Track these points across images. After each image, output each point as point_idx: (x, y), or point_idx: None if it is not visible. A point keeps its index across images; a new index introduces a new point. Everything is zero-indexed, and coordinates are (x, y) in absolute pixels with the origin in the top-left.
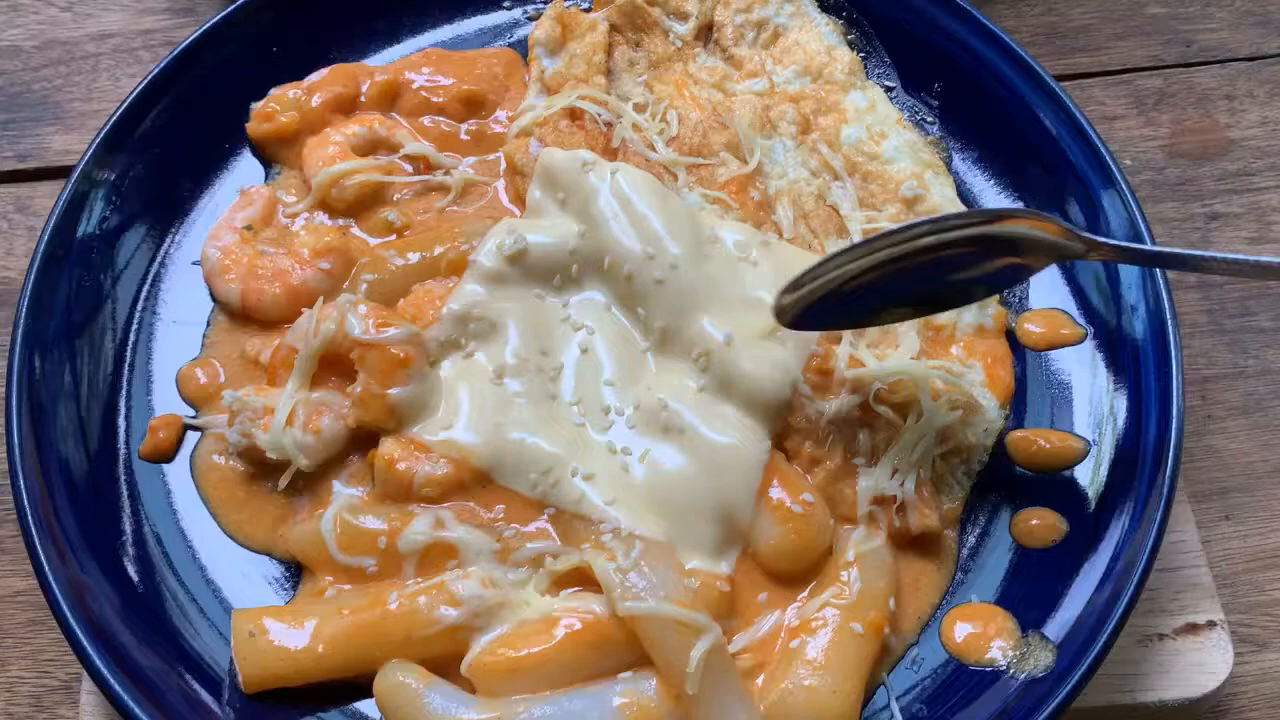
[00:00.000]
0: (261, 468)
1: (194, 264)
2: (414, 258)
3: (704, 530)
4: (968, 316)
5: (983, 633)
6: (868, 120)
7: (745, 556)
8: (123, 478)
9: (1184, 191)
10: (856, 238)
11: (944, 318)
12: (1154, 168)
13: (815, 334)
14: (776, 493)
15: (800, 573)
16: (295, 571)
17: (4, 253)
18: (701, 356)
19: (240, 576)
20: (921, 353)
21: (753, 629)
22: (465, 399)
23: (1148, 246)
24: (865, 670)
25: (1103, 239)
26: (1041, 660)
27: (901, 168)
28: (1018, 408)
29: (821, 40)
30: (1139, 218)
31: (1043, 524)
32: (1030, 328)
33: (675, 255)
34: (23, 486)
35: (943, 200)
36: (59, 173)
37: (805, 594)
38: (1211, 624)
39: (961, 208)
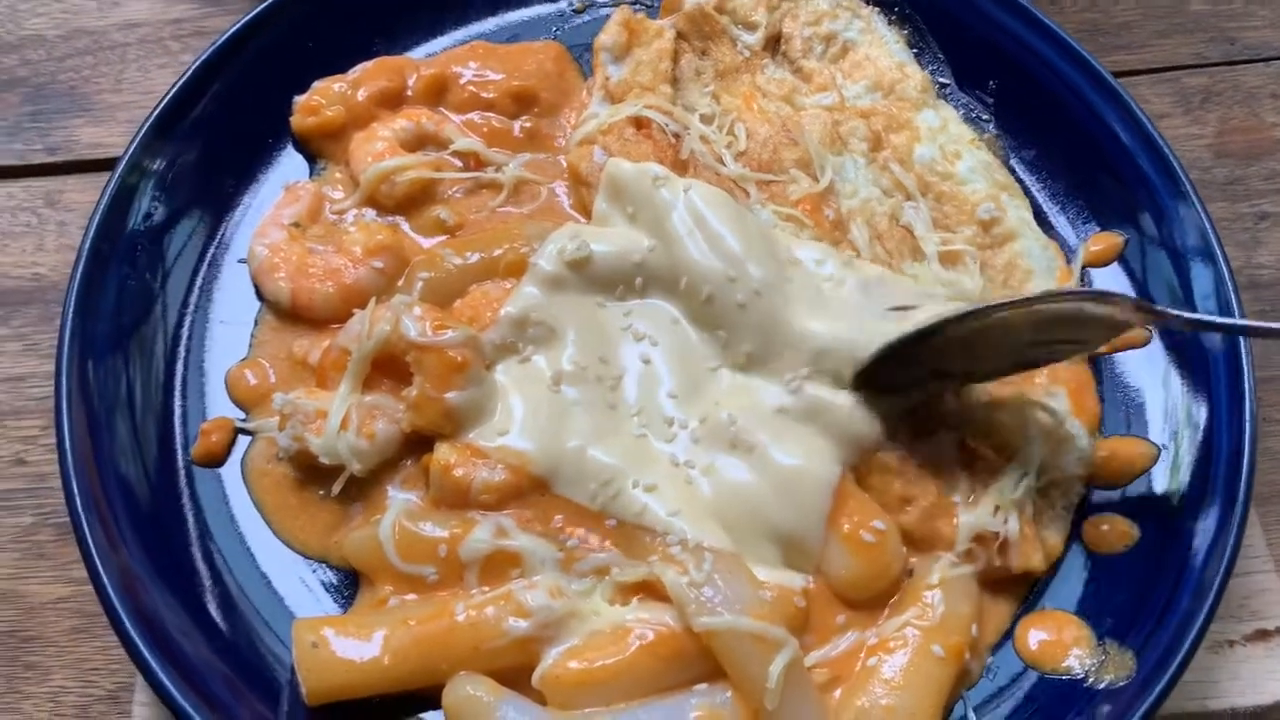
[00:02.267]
0: (312, 472)
1: (240, 262)
2: (472, 258)
3: (766, 551)
4: None
5: (1058, 640)
6: (940, 139)
7: (820, 577)
8: (182, 480)
9: (1232, 191)
10: (932, 260)
11: None
12: (1201, 167)
13: None
14: (847, 520)
15: (871, 600)
16: (353, 578)
17: (34, 248)
18: (795, 380)
19: (298, 582)
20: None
21: (829, 646)
22: (521, 405)
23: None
24: (944, 693)
25: (1191, 314)
26: (1121, 669)
27: (976, 189)
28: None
29: (892, 57)
30: (1204, 219)
31: (1113, 529)
32: None
33: (758, 280)
34: (75, 487)
35: (1019, 223)
36: (89, 166)
37: (885, 614)
38: None
39: (1038, 231)
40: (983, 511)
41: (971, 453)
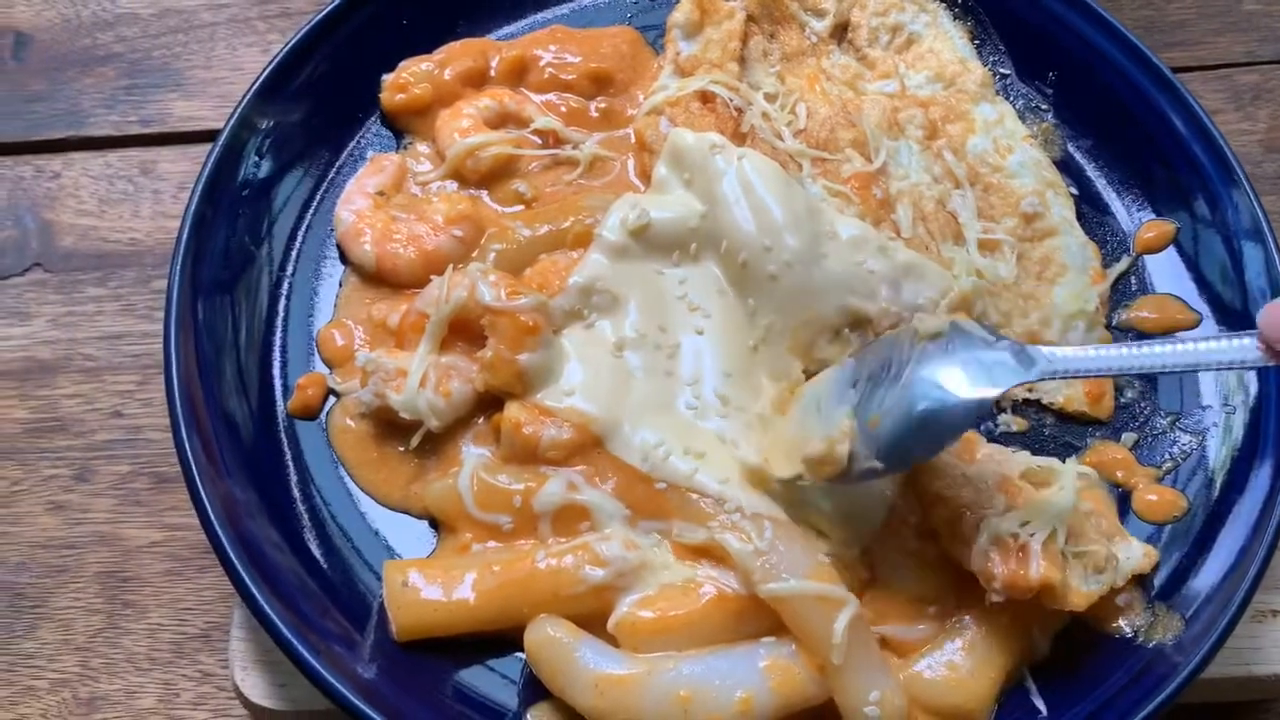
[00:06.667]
0: (390, 428)
1: (330, 229)
2: (541, 230)
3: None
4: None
5: (1109, 600)
6: (995, 133)
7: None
8: (281, 423)
9: None
10: (972, 246)
11: None
12: (1252, 162)
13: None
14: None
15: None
16: (432, 526)
17: (130, 214)
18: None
19: (388, 522)
20: None
21: (901, 628)
22: (586, 368)
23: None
24: (1007, 661)
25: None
26: (1169, 630)
27: (1023, 183)
28: (1151, 388)
29: (955, 51)
30: (1256, 204)
31: (1162, 500)
32: (1144, 314)
33: (792, 251)
34: (180, 415)
35: (1061, 220)
36: (182, 138)
37: None
38: None
39: (1078, 230)
40: (1011, 520)
41: (1012, 486)
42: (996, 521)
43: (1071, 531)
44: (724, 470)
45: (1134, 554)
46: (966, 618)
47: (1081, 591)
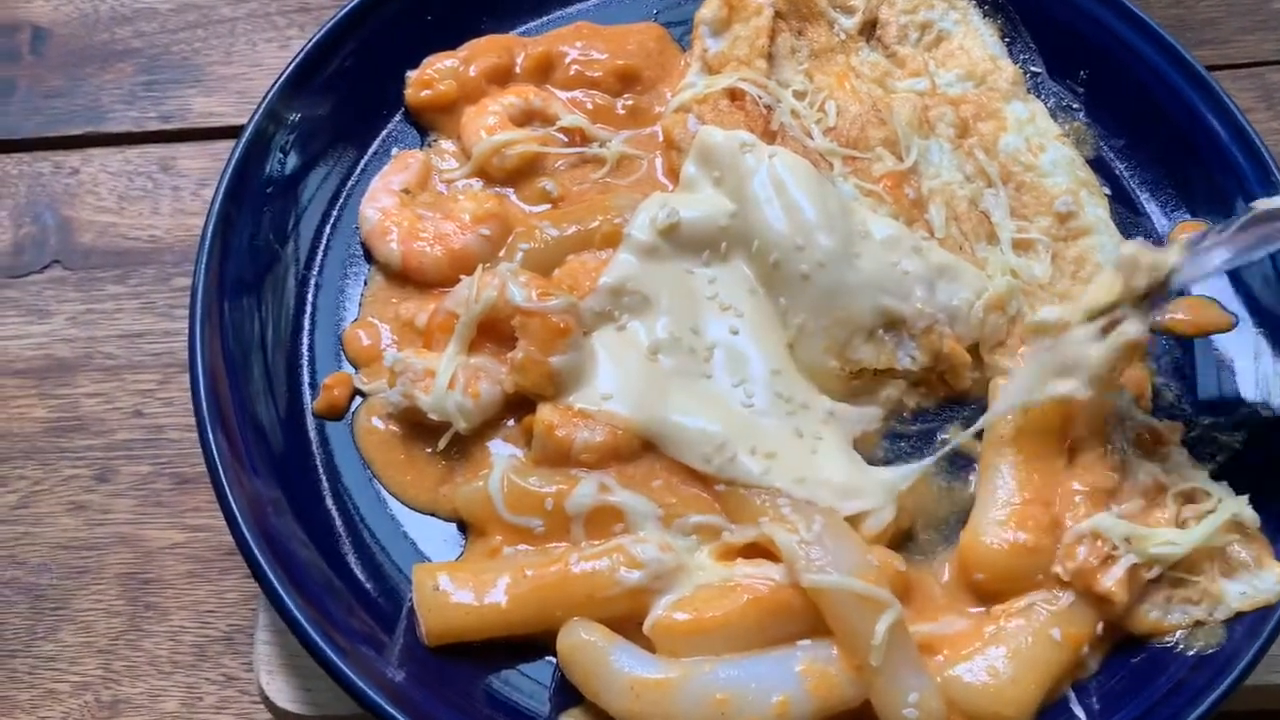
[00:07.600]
0: (417, 429)
1: (354, 228)
2: (569, 230)
3: None
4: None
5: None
6: (1027, 131)
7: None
8: (309, 420)
9: None
10: (1006, 246)
11: None
12: None
13: None
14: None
15: (990, 591)
16: (460, 528)
17: (150, 211)
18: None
19: (417, 523)
20: None
21: (942, 624)
22: (620, 370)
23: None
24: (1051, 675)
25: None
26: (1212, 638)
27: (1057, 182)
28: (1189, 389)
29: (985, 49)
30: None
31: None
32: (1179, 316)
33: (825, 251)
34: (206, 413)
35: (1095, 219)
36: (202, 134)
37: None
38: None
39: (1114, 229)
40: (1120, 528)
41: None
42: (1110, 521)
43: (1186, 560)
44: (800, 469)
45: (1265, 584)
46: (1014, 623)
47: (1149, 619)
